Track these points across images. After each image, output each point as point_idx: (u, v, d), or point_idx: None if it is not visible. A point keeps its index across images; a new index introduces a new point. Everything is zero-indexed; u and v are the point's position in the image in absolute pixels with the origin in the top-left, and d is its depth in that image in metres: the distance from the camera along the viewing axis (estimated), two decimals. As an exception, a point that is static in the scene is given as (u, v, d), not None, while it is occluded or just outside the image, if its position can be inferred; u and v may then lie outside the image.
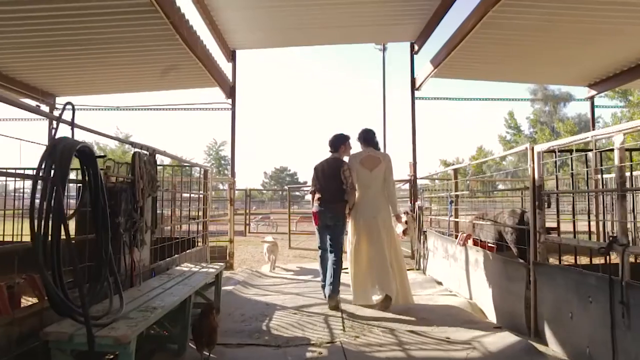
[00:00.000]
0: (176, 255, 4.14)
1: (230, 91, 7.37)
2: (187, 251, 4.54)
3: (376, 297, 4.27)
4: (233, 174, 7.13)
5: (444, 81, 7.51)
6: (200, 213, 5.46)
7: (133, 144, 3.13)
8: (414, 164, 7.32)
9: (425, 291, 5.04)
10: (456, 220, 5.38)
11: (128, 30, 5.24)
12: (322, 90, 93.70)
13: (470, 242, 4.69)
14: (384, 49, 15.54)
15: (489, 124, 70.33)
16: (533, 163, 3.28)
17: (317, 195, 4.40)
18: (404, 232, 5.05)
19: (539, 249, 3.21)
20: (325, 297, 4.27)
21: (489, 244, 4.74)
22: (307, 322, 3.77)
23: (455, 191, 5.47)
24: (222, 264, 4.11)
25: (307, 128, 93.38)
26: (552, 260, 3.45)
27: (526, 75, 7.54)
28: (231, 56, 7.40)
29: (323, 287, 4.35)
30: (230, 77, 7.41)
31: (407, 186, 8.74)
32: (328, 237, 4.32)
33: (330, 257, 4.26)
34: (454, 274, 4.98)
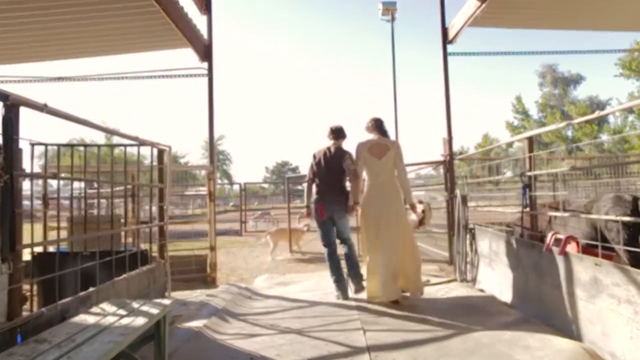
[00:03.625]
0: (91, 289, 2.44)
1: (205, 52, 5.61)
2: (122, 276, 2.84)
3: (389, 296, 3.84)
4: (212, 161, 5.39)
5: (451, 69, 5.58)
6: (156, 212, 3.75)
7: None
8: (449, 140, 5.56)
9: (494, 320, 3.31)
10: (535, 212, 3.60)
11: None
12: (325, 78, 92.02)
13: (571, 247, 2.97)
14: (393, 19, 13.68)
15: (492, 113, 68.60)
16: None
17: (317, 187, 4.22)
18: (420, 222, 4.50)
19: None
20: (339, 296, 4.06)
21: (603, 251, 2.98)
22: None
23: (531, 169, 3.62)
24: (167, 302, 2.40)
25: (308, 119, 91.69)
26: None
27: (589, 19, 5.74)
28: (205, 6, 5.64)
29: (336, 282, 4.10)
30: (205, 34, 5.67)
31: (420, 171, 7.06)
32: (335, 230, 4.20)
33: (344, 249, 4.18)
34: (538, 296, 3.27)
